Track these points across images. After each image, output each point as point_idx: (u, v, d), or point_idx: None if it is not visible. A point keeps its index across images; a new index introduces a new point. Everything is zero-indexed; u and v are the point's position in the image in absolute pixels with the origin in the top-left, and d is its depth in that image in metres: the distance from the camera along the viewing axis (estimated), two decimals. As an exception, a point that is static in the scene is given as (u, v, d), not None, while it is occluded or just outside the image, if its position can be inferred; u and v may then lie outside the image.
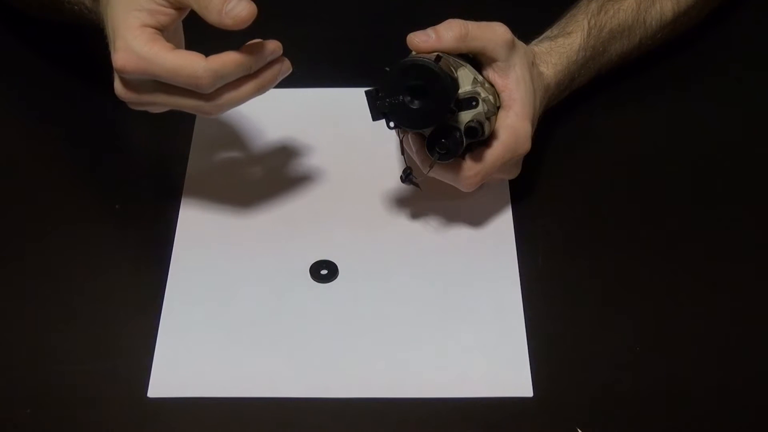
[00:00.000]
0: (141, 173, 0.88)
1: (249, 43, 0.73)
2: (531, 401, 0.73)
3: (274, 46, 0.73)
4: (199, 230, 0.83)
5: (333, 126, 0.91)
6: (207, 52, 0.72)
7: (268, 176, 0.87)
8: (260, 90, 0.74)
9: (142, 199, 0.86)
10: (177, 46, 0.76)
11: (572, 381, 0.74)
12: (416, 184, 0.80)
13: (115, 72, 0.73)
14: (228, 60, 0.71)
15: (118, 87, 0.74)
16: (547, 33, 0.88)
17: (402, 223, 0.84)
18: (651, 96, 0.94)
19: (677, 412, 0.73)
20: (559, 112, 0.88)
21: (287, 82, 0.93)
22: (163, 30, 0.72)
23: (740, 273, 0.81)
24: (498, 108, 0.78)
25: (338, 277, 0.80)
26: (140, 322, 0.77)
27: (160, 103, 0.74)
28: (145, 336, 0.76)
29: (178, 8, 0.72)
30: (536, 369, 0.74)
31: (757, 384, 0.74)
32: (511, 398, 0.73)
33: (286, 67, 0.75)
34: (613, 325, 0.77)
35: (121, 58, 0.71)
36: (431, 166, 0.77)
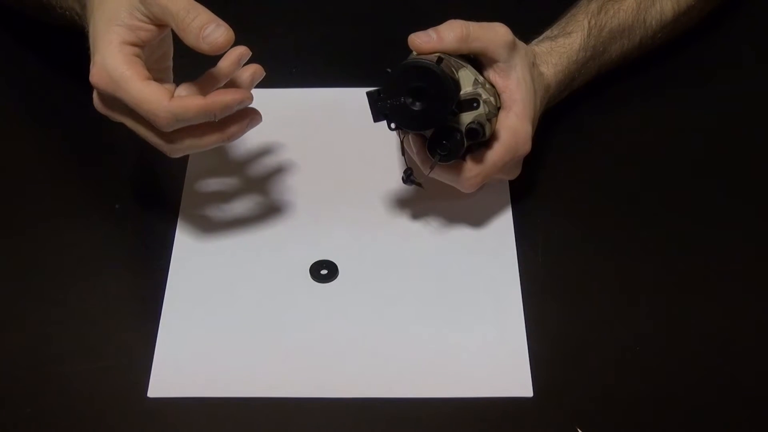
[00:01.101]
0: (141, 173, 0.88)
1: (217, 90, 0.73)
2: (531, 401, 0.73)
3: (242, 96, 0.73)
4: (199, 230, 0.83)
5: (333, 126, 0.91)
6: (198, 62, 0.72)
7: (268, 176, 0.87)
8: (225, 141, 0.75)
9: (142, 199, 0.86)
10: (163, 57, 0.77)
11: (572, 381, 0.74)
12: (419, 184, 0.80)
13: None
14: (189, 105, 0.71)
15: (95, 100, 0.75)
16: (548, 33, 0.88)
17: (402, 223, 0.84)
18: (651, 96, 0.94)
19: (677, 412, 0.73)
20: (559, 112, 0.88)
21: (288, 82, 0.94)
22: (143, 46, 0.72)
23: (741, 273, 0.81)
24: (498, 109, 0.78)
25: (338, 277, 0.80)
26: (140, 322, 0.77)
27: (128, 126, 0.74)
28: (145, 336, 0.76)
29: (159, 25, 0.72)
30: (536, 369, 0.74)
31: (758, 384, 0.74)
32: (511, 398, 0.73)
33: (255, 120, 0.75)
34: (613, 325, 0.77)
35: (95, 74, 0.71)
36: (432, 167, 0.77)
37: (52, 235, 0.83)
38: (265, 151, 0.89)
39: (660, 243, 0.83)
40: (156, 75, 0.73)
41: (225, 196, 0.86)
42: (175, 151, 0.74)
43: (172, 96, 0.71)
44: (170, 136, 0.73)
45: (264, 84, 0.78)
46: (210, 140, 0.74)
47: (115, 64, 0.70)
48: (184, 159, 0.87)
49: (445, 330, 0.77)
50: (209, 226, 0.84)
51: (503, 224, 0.84)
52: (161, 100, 0.70)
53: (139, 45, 0.72)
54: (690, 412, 0.73)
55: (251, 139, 0.89)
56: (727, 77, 0.96)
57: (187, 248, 0.82)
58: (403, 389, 0.74)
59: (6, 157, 0.90)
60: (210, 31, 0.69)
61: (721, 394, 0.74)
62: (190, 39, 0.70)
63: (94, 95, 0.74)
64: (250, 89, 0.77)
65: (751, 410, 0.73)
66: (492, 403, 0.73)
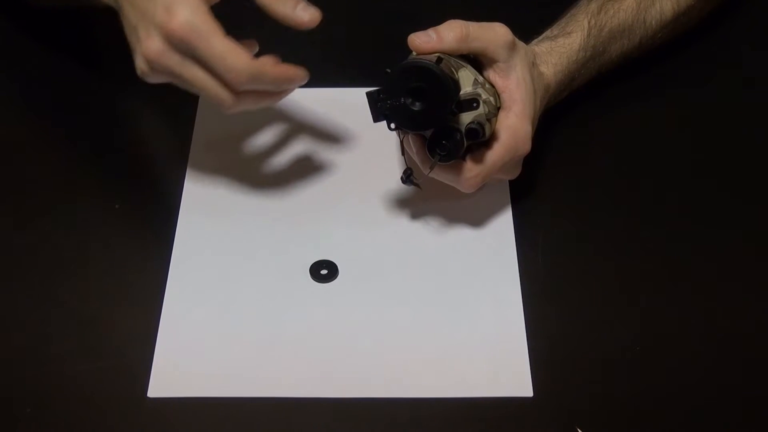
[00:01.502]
0: (141, 173, 0.88)
1: (290, 64, 0.76)
2: (531, 401, 0.73)
3: (304, 75, 0.77)
4: (199, 230, 0.83)
5: (333, 126, 0.91)
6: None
7: (268, 176, 0.87)
8: (268, 105, 0.78)
9: (142, 199, 0.86)
10: None
11: (572, 381, 0.74)
12: (417, 185, 0.80)
13: (160, 34, 0.72)
14: (270, 71, 0.74)
15: (156, 52, 0.73)
16: (547, 33, 0.88)
17: (402, 223, 0.84)
18: (651, 96, 0.94)
19: (677, 412, 0.73)
20: (559, 112, 0.88)
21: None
22: (211, 5, 0.74)
23: (741, 272, 0.81)
24: (498, 109, 0.78)
25: (338, 277, 0.80)
26: (140, 322, 0.77)
27: (187, 79, 0.74)
28: (145, 336, 0.76)
29: None
30: (536, 369, 0.74)
31: (757, 384, 0.74)
32: (511, 398, 0.73)
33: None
34: (613, 325, 0.77)
35: (178, 24, 0.72)
36: (432, 167, 0.77)
37: (52, 235, 0.83)
38: (264, 152, 0.89)
39: (660, 243, 0.83)
40: None
41: (225, 196, 0.86)
42: (235, 107, 0.75)
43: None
44: (239, 94, 0.74)
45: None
46: (264, 103, 0.77)
47: (202, 18, 0.72)
48: (184, 159, 0.88)
49: (445, 330, 0.77)
50: (209, 226, 0.83)
51: (503, 224, 0.84)
52: (244, 57, 0.72)
53: (210, 5, 0.74)
54: (690, 412, 0.73)
55: (251, 139, 0.89)
56: (727, 77, 0.96)
57: (187, 248, 0.82)
58: (403, 389, 0.74)
59: (6, 157, 0.90)
60: (303, 6, 0.75)
61: (721, 394, 0.74)
62: (285, 8, 0.74)
63: (158, 42, 0.73)
64: None
65: (751, 410, 0.73)
66: (492, 403, 0.73)
